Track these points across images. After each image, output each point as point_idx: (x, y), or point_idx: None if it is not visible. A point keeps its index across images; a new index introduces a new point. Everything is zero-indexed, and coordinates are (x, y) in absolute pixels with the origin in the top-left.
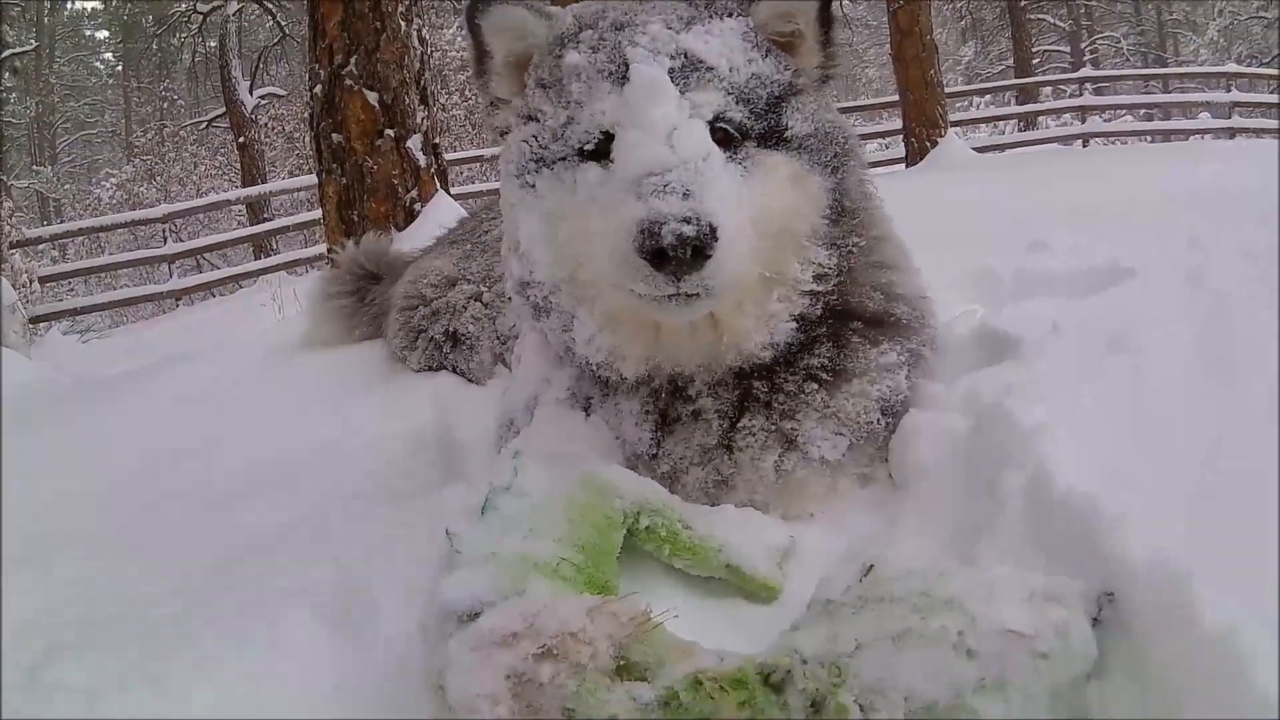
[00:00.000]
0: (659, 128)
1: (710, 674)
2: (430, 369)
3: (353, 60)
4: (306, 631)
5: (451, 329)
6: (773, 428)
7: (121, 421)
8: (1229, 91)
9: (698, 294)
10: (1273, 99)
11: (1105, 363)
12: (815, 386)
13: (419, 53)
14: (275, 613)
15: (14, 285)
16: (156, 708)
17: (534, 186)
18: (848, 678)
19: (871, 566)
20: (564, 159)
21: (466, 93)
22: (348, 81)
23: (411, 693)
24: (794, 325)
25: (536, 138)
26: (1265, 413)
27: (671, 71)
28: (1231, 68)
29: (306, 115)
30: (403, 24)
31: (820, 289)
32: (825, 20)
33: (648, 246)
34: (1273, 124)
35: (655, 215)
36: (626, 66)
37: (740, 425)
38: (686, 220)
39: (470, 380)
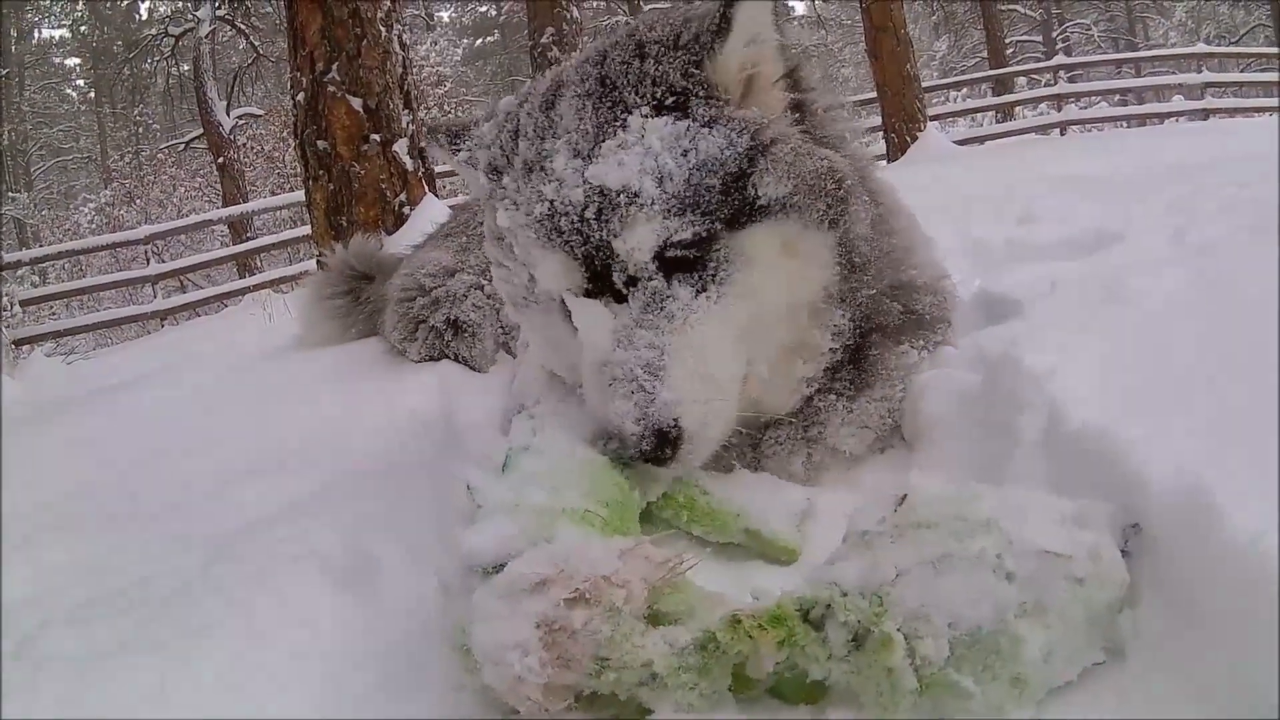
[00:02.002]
0: (600, 325)
1: (748, 613)
2: (431, 359)
3: (334, 67)
4: (313, 596)
5: (453, 317)
6: (799, 436)
7: (118, 421)
8: (1200, 73)
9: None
10: (1245, 78)
11: (1103, 311)
12: (835, 398)
13: (400, 57)
14: (281, 579)
15: None
16: (155, 675)
17: (525, 313)
18: (890, 607)
19: (904, 496)
20: (541, 301)
21: (445, 106)
22: (330, 88)
23: (425, 655)
24: (822, 376)
25: (509, 284)
26: (1265, 336)
27: (586, 222)
28: (1202, 48)
29: (286, 132)
30: (383, 30)
31: (839, 345)
32: (786, 57)
33: (613, 452)
34: (1244, 104)
35: (610, 425)
36: (547, 236)
37: (766, 437)
38: (643, 436)
39: (472, 368)
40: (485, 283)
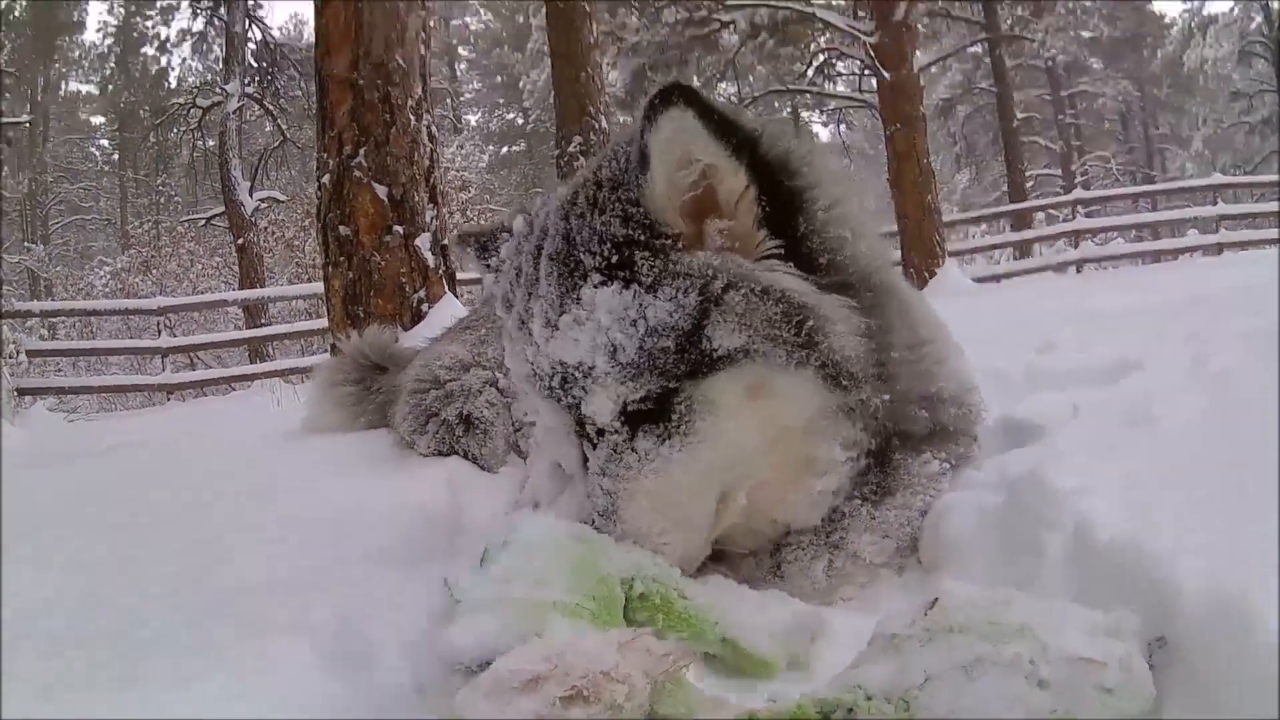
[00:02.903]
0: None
1: (765, 714)
2: (440, 454)
3: (362, 152)
4: (300, 662)
5: (465, 412)
6: (821, 542)
7: (120, 478)
8: (1215, 205)
9: None
10: (1258, 209)
11: (1126, 435)
12: (859, 503)
13: (429, 149)
14: (270, 641)
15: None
16: (123, 709)
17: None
18: (917, 712)
19: (935, 600)
20: None
21: (469, 212)
22: (356, 173)
23: None
24: (846, 486)
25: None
26: None
27: (554, 390)
28: (1218, 179)
29: (308, 221)
30: (412, 118)
31: (856, 453)
32: (767, 189)
33: None
34: (1258, 236)
35: None
36: (535, 391)
37: (788, 541)
38: None
39: (482, 467)
40: (500, 377)
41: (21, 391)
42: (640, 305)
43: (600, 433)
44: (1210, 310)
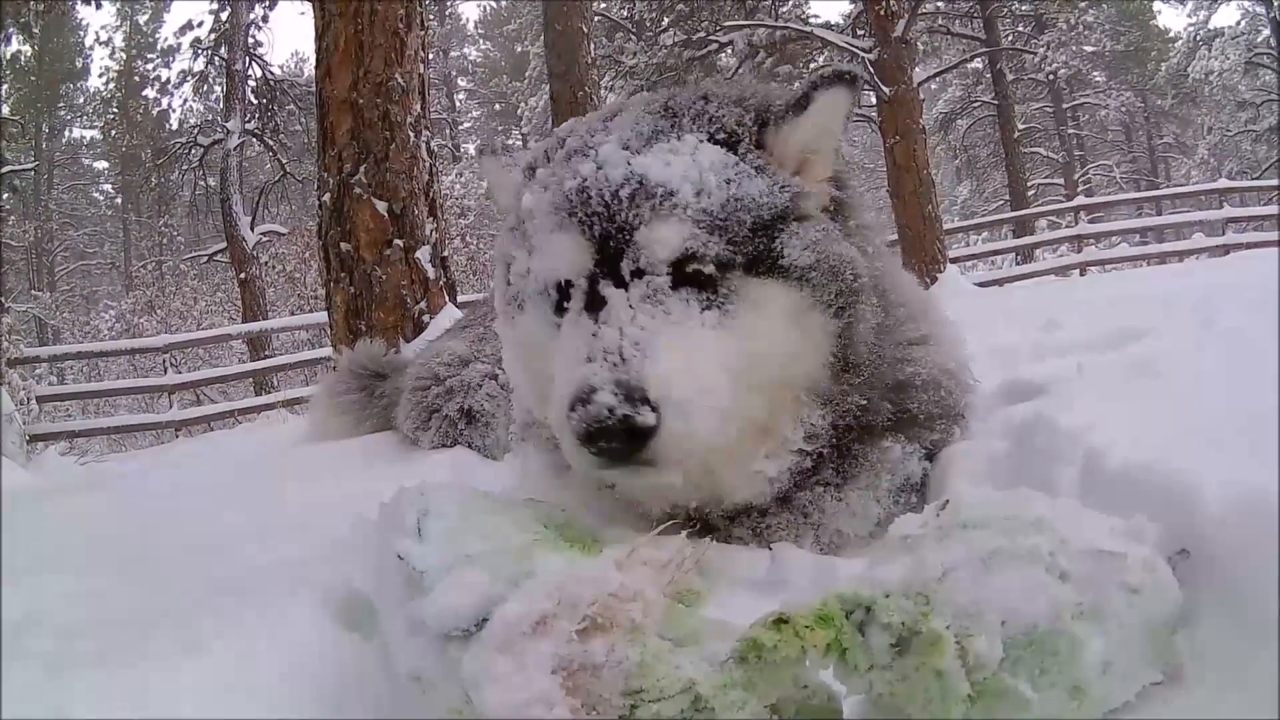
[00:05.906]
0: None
1: (792, 611)
2: (444, 448)
3: (362, 169)
4: (310, 623)
5: (466, 406)
6: (802, 520)
7: (134, 494)
8: (1221, 208)
9: (650, 463)
10: (1265, 211)
11: (1135, 384)
12: (823, 490)
13: (428, 164)
14: (279, 604)
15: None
16: (137, 681)
17: (514, 321)
18: (937, 605)
19: (947, 501)
20: (532, 298)
21: (468, 238)
22: (356, 190)
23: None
24: (784, 479)
25: (510, 280)
26: None
27: (617, 199)
28: (1223, 183)
29: (308, 253)
30: (411, 135)
31: (810, 449)
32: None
33: (578, 427)
34: (1266, 238)
35: (581, 389)
36: (569, 211)
37: (768, 522)
38: (614, 398)
39: (485, 457)
40: (499, 372)
41: (34, 438)
42: (739, 171)
43: (639, 274)
44: (1214, 292)
